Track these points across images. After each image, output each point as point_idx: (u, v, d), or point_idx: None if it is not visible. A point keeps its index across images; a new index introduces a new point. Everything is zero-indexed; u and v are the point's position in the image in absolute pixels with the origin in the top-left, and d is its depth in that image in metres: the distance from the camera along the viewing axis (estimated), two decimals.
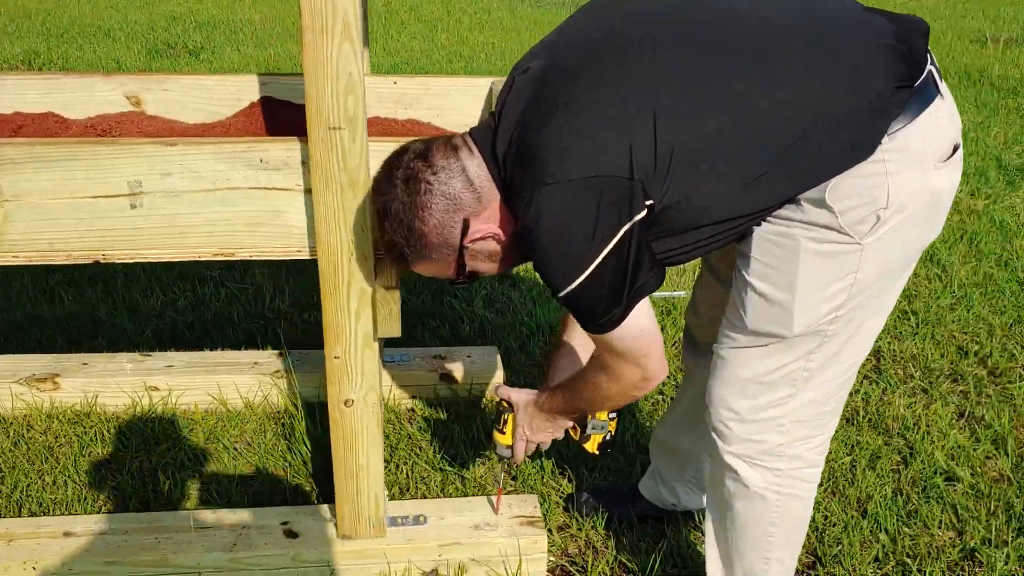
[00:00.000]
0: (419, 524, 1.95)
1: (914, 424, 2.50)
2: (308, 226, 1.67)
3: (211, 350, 2.76)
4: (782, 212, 1.37)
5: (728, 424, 1.55)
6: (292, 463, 2.32)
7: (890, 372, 2.77)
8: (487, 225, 1.42)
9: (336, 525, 1.91)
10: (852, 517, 2.14)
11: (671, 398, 2.59)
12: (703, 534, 2.06)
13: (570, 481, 2.27)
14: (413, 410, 2.57)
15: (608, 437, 1.83)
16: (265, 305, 3.12)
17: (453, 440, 2.39)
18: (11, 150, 1.57)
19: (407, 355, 2.68)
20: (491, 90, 2.26)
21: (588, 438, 1.82)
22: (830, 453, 2.17)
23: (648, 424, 2.49)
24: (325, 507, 1.99)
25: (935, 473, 2.30)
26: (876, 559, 2.03)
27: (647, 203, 1.30)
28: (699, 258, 1.55)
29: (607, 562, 2.02)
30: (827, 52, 1.33)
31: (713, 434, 1.59)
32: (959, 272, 3.42)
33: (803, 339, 1.44)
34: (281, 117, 2.24)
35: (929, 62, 1.36)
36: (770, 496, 1.59)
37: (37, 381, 2.53)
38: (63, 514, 2.12)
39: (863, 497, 2.21)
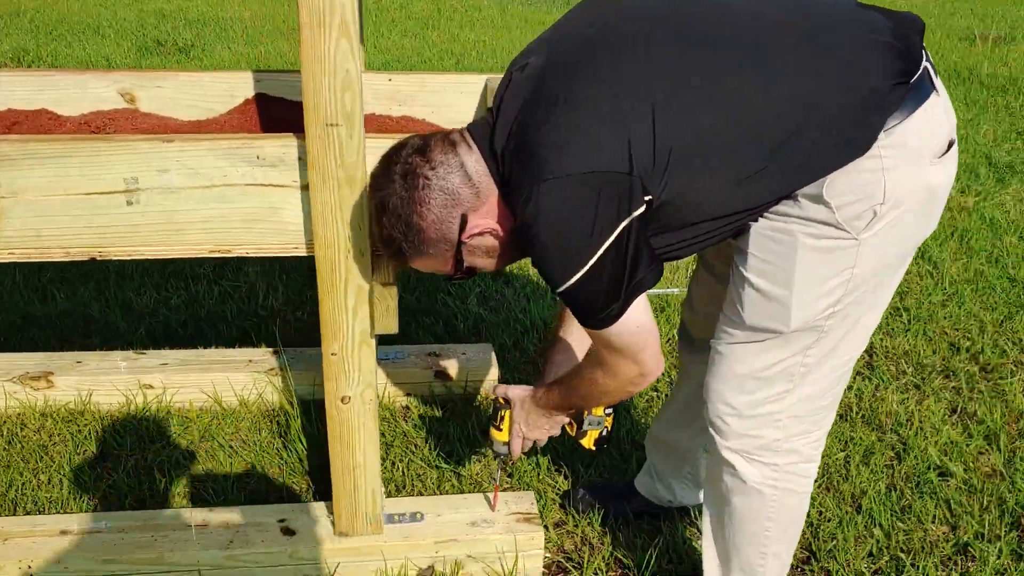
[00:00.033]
0: (416, 521, 1.95)
1: (907, 420, 2.51)
2: (304, 223, 1.67)
3: (205, 348, 2.75)
4: (779, 208, 1.37)
5: (726, 419, 1.55)
6: (288, 461, 2.31)
7: (883, 368, 2.78)
8: (485, 221, 1.42)
9: (333, 522, 1.91)
10: (846, 512, 2.15)
11: (665, 395, 2.59)
12: (699, 530, 2.07)
13: (566, 478, 2.27)
14: (408, 408, 2.57)
15: (604, 433, 1.83)
16: (259, 303, 3.12)
17: (449, 437, 2.39)
18: (6, 147, 1.56)
19: (402, 352, 2.68)
20: (486, 87, 2.26)
21: (584, 434, 1.83)
22: (824, 449, 2.17)
23: (643, 421, 2.50)
24: (322, 504, 1.99)
25: (928, 468, 2.31)
26: (870, 554, 2.04)
27: (646, 198, 1.31)
28: (694, 254, 1.56)
29: (603, 558, 2.02)
30: (821, 48, 1.34)
31: (711, 430, 1.59)
32: (950, 269, 3.44)
33: (800, 335, 1.45)
34: (275, 114, 2.23)
35: (924, 59, 1.37)
36: (767, 491, 1.59)
37: (31, 379, 2.52)
38: (58, 512, 2.11)
39: (857, 492, 2.23)
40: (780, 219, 1.38)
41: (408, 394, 2.60)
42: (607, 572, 2.00)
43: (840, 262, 1.38)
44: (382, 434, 2.35)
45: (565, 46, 1.39)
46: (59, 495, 2.18)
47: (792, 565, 1.87)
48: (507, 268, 3.24)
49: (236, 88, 2.22)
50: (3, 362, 2.58)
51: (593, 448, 1.84)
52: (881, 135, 1.30)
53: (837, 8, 1.40)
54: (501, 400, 1.82)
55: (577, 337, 1.85)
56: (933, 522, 2.14)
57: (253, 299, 3.14)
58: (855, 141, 1.30)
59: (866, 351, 2.87)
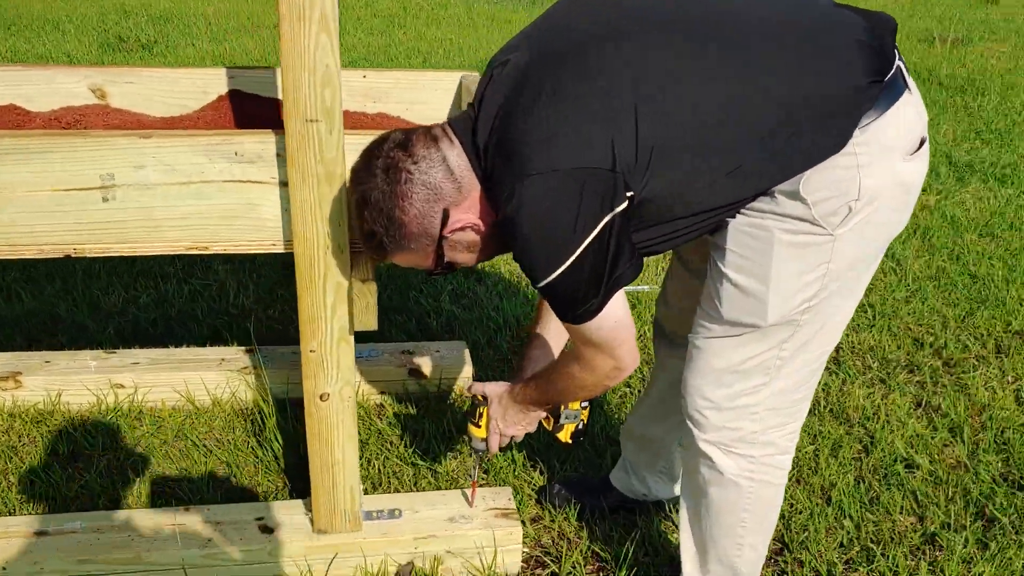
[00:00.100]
0: (394, 518, 1.95)
1: (874, 414, 2.56)
2: (283, 219, 1.66)
3: (176, 347, 2.73)
4: (756, 204, 1.39)
5: (704, 412, 1.58)
6: (263, 459, 2.30)
7: (849, 363, 2.83)
8: (467, 215, 1.43)
9: (311, 520, 1.91)
10: (817, 504, 2.19)
11: (639, 390, 2.62)
12: (674, 523, 2.10)
13: (542, 473, 2.29)
14: (382, 405, 2.57)
15: (580, 426, 1.85)
16: (229, 301, 3.09)
17: (424, 435, 2.39)
18: None
19: (375, 351, 2.68)
20: (461, 84, 2.27)
21: (561, 428, 1.84)
22: None
23: (617, 416, 2.52)
24: (299, 502, 1.99)
25: (895, 461, 2.36)
26: (841, 544, 2.08)
27: (628, 194, 1.32)
28: (669, 251, 1.58)
29: (580, 552, 2.04)
30: (821, 47, 1.36)
31: (688, 423, 1.61)
32: (913, 266, 3.51)
33: (777, 329, 1.47)
34: (249, 111, 2.22)
35: (897, 57, 1.40)
36: (743, 483, 1.62)
37: None
38: (31, 514, 2.08)
39: (827, 485, 2.27)
40: (757, 215, 1.40)
41: (382, 392, 2.60)
42: (585, 566, 2.01)
43: (816, 257, 1.41)
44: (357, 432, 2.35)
45: (553, 39, 1.39)
46: (30, 495, 2.15)
47: (766, 556, 1.90)
48: (480, 266, 3.26)
49: (209, 84, 2.21)
50: None
51: (569, 441, 1.86)
52: (856, 132, 1.33)
53: (816, 9, 1.42)
54: (479, 397, 1.83)
55: (553, 333, 1.86)
56: (901, 513, 2.19)
57: (224, 297, 3.12)
58: (833, 138, 1.32)
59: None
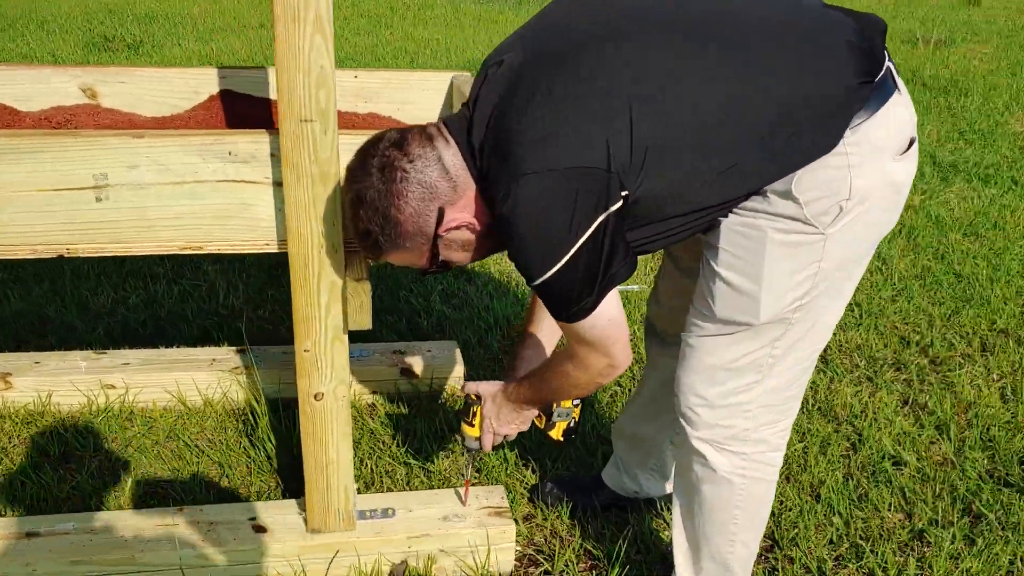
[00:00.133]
0: (388, 517, 1.95)
1: (861, 411, 2.59)
2: (277, 219, 1.67)
3: (166, 347, 2.72)
4: (749, 204, 1.41)
5: (697, 410, 1.59)
6: (256, 459, 2.30)
7: (836, 362, 2.86)
8: (462, 214, 1.44)
9: (305, 519, 1.91)
10: (806, 502, 2.21)
11: (629, 389, 2.63)
12: (666, 521, 2.12)
13: (533, 472, 2.30)
14: (374, 405, 2.57)
15: (572, 424, 1.86)
16: (219, 302, 3.09)
17: (416, 434, 2.40)
18: None
19: (366, 351, 2.68)
20: (452, 84, 2.28)
21: (553, 425, 1.85)
22: None
23: (608, 415, 2.53)
24: (292, 502, 1.99)
25: (883, 458, 2.38)
26: (831, 541, 2.10)
27: (622, 194, 1.33)
28: (660, 250, 1.59)
29: (573, 550, 2.05)
30: (821, 47, 1.37)
31: (681, 420, 1.63)
32: (899, 265, 3.54)
33: (769, 327, 1.49)
34: (241, 111, 2.22)
35: (887, 58, 1.42)
36: (736, 480, 1.63)
37: None
38: (22, 515, 2.07)
39: (816, 482, 2.28)
40: (749, 214, 1.42)
41: (374, 392, 2.60)
42: (577, 564, 2.02)
43: (808, 256, 1.42)
44: None
45: (549, 39, 1.40)
46: (21, 497, 2.14)
47: (757, 554, 1.92)
48: (469, 266, 3.27)
49: (200, 84, 2.21)
50: None
51: (561, 439, 1.87)
52: (847, 132, 1.35)
53: (808, 11, 1.44)
54: (472, 396, 1.84)
55: (546, 332, 1.88)
56: (889, 510, 2.21)
57: (213, 298, 3.11)
58: (825, 138, 1.34)
59: None
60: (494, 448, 1.89)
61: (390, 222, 1.42)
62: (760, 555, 2.04)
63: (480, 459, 2.30)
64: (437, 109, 2.31)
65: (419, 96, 2.30)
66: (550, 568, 2.01)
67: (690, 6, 1.40)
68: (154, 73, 2.18)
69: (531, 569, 2.02)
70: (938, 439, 2.49)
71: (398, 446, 2.36)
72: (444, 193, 1.42)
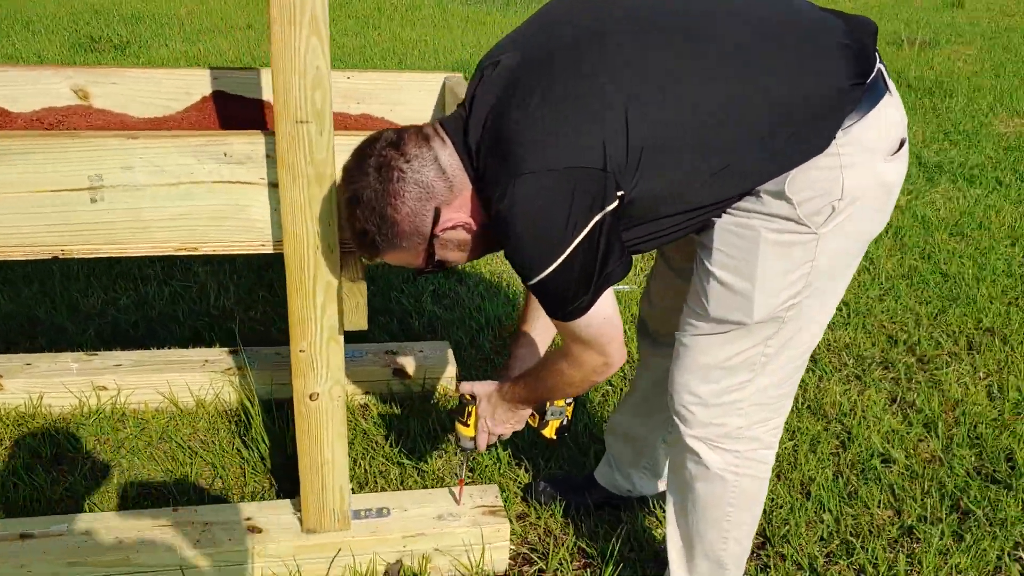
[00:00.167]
0: (383, 516, 1.96)
1: (850, 410, 2.61)
2: (272, 220, 1.67)
3: (157, 349, 2.72)
4: (742, 204, 1.42)
5: (691, 408, 1.60)
6: (249, 460, 2.30)
7: (825, 360, 2.88)
8: (458, 214, 1.45)
9: (300, 519, 1.91)
10: (797, 499, 2.23)
11: (621, 388, 2.65)
12: (659, 519, 2.13)
13: (527, 471, 2.31)
14: (367, 406, 2.58)
15: (565, 422, 1.87)
16: (210, 303, 3.08)
17: (410, 434, 2.40)
18: None
19: (359, 351, 2.68)
20: (444, 86, 2.29)
21: (546, 424, 1.86)
22: None
23: (600, 414, 2.55)
24: (287, 502, 1.99)
25: (872, 456, 2.40)
26: (821, 538, 2.12)
27: (618, 194, 1.34)
28: (652, 251, 1.60)
29: (567, 548, 2.06)
30: (820, 48, 1.39)
31: (675, 419, 1.64)
32: (886, 264, 3.57)
33: (762, 326, 1.50)
34: (233, 112, 2.22)
35: (878, 60, 1.44)
36: (729, 477, 1.65)
37: None
38: (15, 517, 2.07)
39: (806, 480, 2.31)
40: (743, 215, 1.43)
41: (367, 392, 2.61)
42: (571, 562, 2.04)
43: (800, 256, 1.44)
44: None
45: (547, 40, 1.41)
46: (15, 498, 2.13)
47: (750, 550, 1.94)
48: (461, 267, 3.27)
49: (192, 85, 2.21)
50: None
51: (555, 437, 1.88)
52: (839, 133, 1.36)
53: (800, 13, 1.45)
54: (467, 396, 1.85)
55: (540, 331, 1.89)
56: (879, 506, 2.23)
57: (204, 299, 3.11)
58: (818, 139, 1.36)
59: None
60: (487, 447, 1.90)
61: (387, 222, 1.42)
62: (752, 552, 2.06)
63: (474, 459, 2.30)
64: (430, 110, 2.31)
65: (412, 97, 2.31)
66: (544, 566, 2.02)
67: (690, 6, 1.41)
68: (145, 74, 2.18)
69: (525, 568, 2.03)
70: (926, 436, 2.51)
71: (391, 446, 2.36)
72: (440, 193, 1.42)
